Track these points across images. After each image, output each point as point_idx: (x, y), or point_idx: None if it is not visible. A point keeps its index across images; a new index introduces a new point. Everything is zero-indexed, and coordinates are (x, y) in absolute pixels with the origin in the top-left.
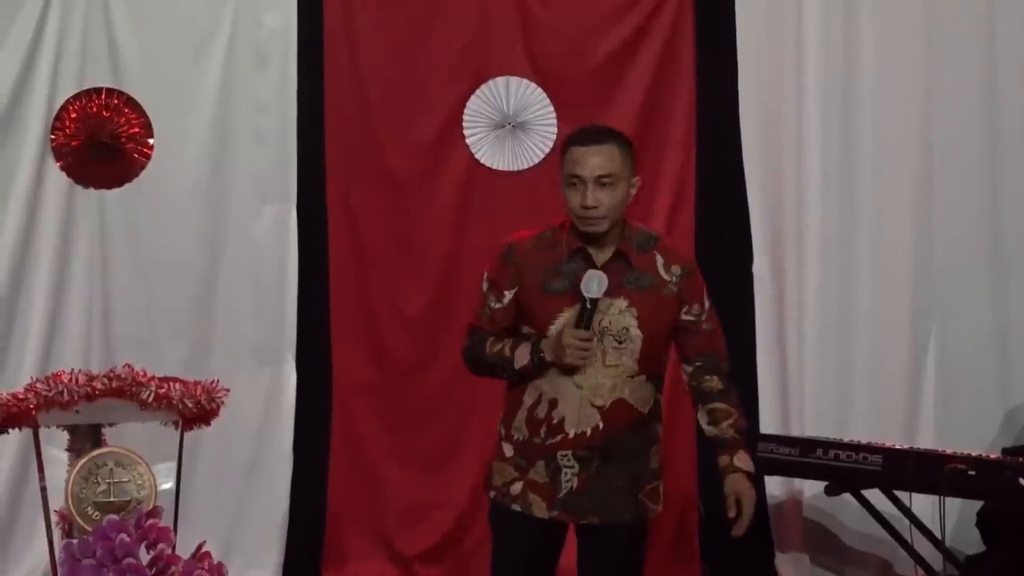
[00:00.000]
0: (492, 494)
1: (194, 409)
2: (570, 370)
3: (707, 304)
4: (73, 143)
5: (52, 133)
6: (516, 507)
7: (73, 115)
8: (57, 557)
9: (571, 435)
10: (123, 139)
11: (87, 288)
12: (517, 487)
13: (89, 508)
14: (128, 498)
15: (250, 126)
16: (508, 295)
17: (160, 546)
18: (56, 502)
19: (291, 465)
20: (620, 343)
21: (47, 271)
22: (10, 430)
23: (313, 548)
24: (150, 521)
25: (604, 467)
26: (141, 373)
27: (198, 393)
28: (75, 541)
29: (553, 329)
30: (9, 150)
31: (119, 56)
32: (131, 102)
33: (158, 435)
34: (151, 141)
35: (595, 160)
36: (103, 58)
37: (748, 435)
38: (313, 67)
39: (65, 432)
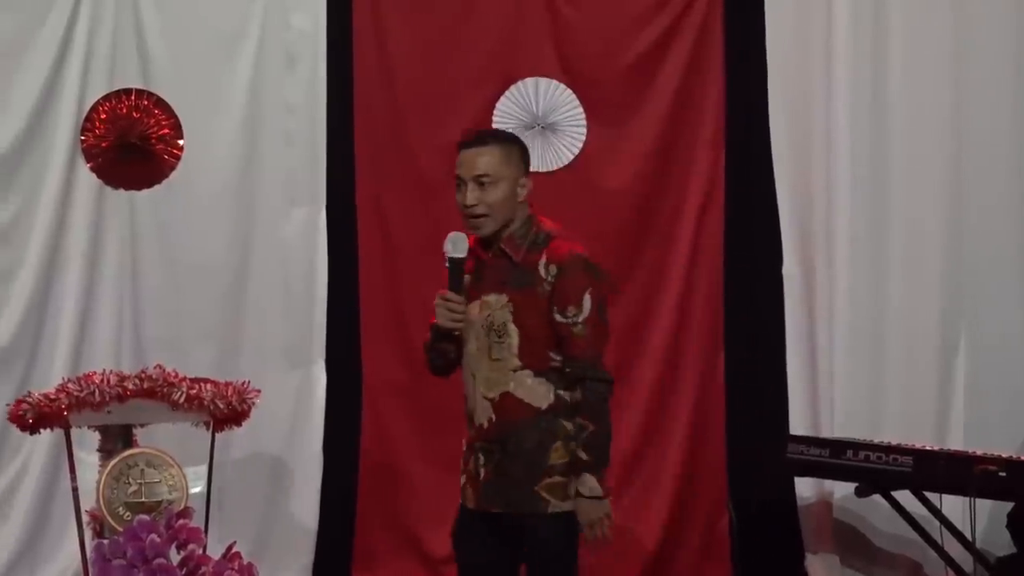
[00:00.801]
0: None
1: (225, 410)
2: (447, 335)
3: (587, 307)
4: (103, 144)
5: (82, 134)
6: (463, 501)
7: (103, 116)
8: (88, 557)
9: (476, 427)
10: (153, 140)
11: (117, 289)
12: (463, 479)
13: (120, 508)
14: (159, 499)
15: (279, 127)
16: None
17: (190, 546)
18: (87, 502)
19: (321, 466)
20: (500, 338)
21: (77, 272)
22: (42, 430)
23: (343, 549)
24: (181, 521)
25: (503, 459)
26: (172, 374)
27: (229, 394)
28: (106, 541)
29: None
30: (39, 151)
31: (149, 57)
32: (161, 103)
33: (189, 436)
34: (181, 142)
35: (474, 161)
36: (133, 59)
37: (603, 454)
38: (342, 68)
39: (96, 433)
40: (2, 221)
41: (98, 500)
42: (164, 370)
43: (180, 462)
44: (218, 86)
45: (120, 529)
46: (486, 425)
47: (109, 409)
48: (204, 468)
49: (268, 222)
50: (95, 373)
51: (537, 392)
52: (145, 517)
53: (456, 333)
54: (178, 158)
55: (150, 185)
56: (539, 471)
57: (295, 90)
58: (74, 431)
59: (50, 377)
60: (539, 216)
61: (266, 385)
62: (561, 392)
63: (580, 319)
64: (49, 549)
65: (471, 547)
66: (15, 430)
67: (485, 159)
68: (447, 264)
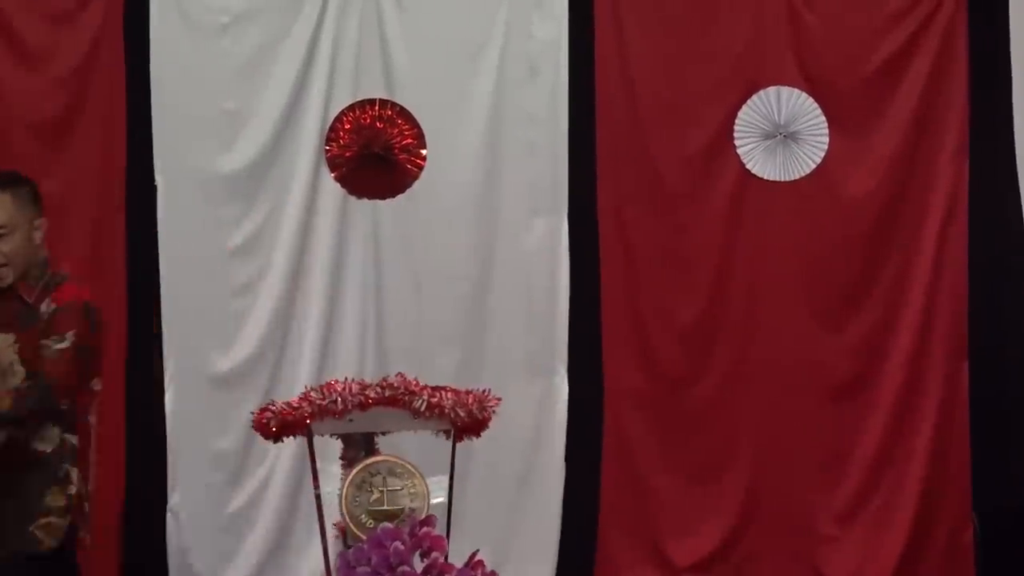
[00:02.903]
0: None
1: (466, 418)
2: None
3: (65, 348)
4: (347, 154)
5: (326, 144)
6: None
7: (347, 126)
8: (332, 564)
9: None
10: (396, 150)
11: (361, 298)
12: None
13: (363, 516)
14: (401, 506)
15: (522, 137)
16: None
17: (434, 554)
18: (331, 510)
19: (563, 475)
20: (3, 377)
21: (321, 281)
22: (285, 439)
23: (585, 557)
24: (424, 529)
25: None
26: (414, 382)
27: (469, 402)
28: (350, 549)
29: None
30: (285, 160)
31: (392, 67)
32: (404, 113)
33: (431, 444)
34: (424, 152)
35: None
36: (377, 69)
37: None
38: (584, 78)
39: (339, 441)
40: (249, 231)
41: (341, 508)
42: (405, 378)
43: (422, 471)
44: (461, 96)
45: (363, 537)
46: None
47: (351, 418)
48: (445, 479)
49: (510, 232)
50: (337, 382)
51: (42, 435)
52: (389, 525)
53: None
54: (421, 168)
55: (393, 195)
56: (35, 512)
57: (537, 100)
58: (317, 439)
59: (295, 385)
60: (55, 257)
61: (508, 394)
62: (68, 436)
63: (63, 345)
64: (295, 556)
65: None
66: (260, 438)
67: None
68: None
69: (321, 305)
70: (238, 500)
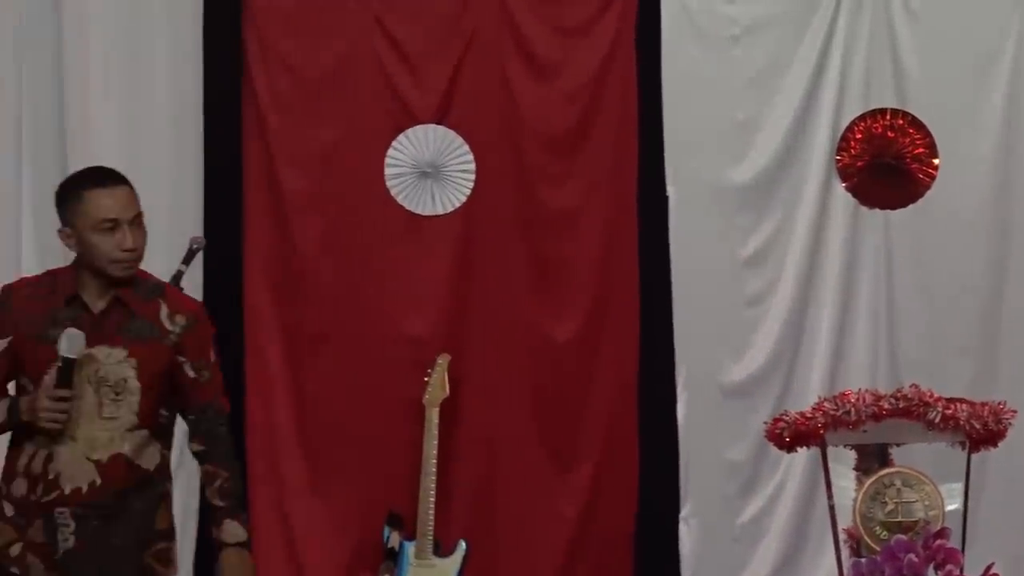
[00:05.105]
0: None
1: (981, 430)
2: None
3: (213, 356)
4: (858, 164)
5: (837, 154)
6: (15, 570)
7: (858, 136)
8: (845, 575)
9: (67, 491)
10: (907, 160)
11: (872, 308)
12: (16, 548)
13: (876, 527)
14: (915, 518)
15: None
16: (2, 344)
17: (948, 567)
18: (844, 520)
19: None
20: (118, 395)
21: (833, 290)
22: (798, 448)
23: None
24: (938, 542)
25: (104, 526)
26: (928, 394)
27: (985, 414)
28: (863, 560)
29: (48, 379)
30: (796, 170)
31: (904, 76)
32: (915, 122)
33: (945, 456)
34: (936, 162)
35: (130, 200)
36: (887, 78)
37: (240, 498)
38: None
39: (852, 451)
40: (760, 241)
41: (854, 518)
42: (919, 389)
43: (936, 482)
44: (973, 105)
45: (876, 548)
46: (86, 489)
47: (864, 428)
48: (958, 486)
49: None
50: (850, 392)
51: (148, 452)
52: (902, 537)
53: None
54: (933, 178)
55: (905, 204)
56: (147, 538)
57: None
58: (830, 449)
59: (806, 395)
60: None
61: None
62: (165, 452)
63: (205, 368)
64: (806, 566)
65: None
66: (773, 448)
67: (132, 199)
68: (60, 363)
69: (832, 315)
70: (750, 510)
